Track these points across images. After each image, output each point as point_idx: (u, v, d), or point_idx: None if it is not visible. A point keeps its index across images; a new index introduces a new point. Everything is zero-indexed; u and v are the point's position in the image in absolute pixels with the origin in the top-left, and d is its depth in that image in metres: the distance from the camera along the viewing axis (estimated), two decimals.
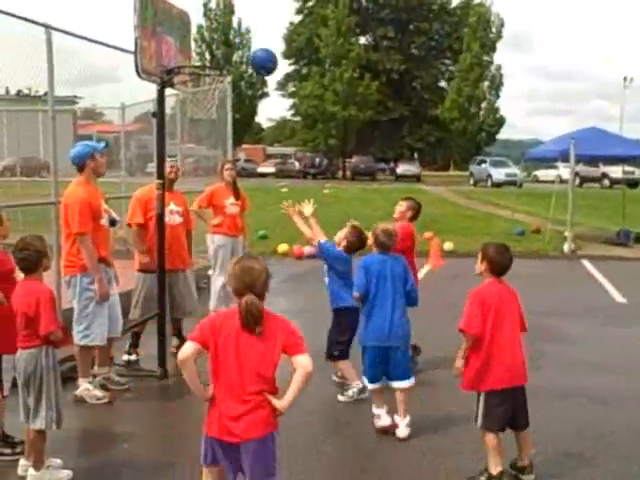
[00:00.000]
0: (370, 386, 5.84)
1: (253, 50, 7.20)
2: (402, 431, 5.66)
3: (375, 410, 5.82)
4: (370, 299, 5.71)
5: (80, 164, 6.39)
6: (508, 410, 4.86)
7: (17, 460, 4.91)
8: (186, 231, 8.07)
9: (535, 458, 5.08)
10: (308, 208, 6.82)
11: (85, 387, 6.38)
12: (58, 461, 4.88)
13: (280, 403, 3.59)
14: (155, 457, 5.30)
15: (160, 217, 7.06)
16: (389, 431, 5.70)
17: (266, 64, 6.88)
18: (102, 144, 6.70)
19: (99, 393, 6.39)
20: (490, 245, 5.00)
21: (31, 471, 4.70)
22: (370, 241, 6.09)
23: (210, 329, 3.64)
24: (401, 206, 7.41)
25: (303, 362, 3.55)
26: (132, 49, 6.52)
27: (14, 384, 4.94)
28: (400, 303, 5.76)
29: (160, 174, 7.03)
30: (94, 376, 6.65)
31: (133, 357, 7.55)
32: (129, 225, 7.53)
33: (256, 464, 3.58)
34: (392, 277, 5.73)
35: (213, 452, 3.68)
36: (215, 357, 3.59)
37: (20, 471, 4.79)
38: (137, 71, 6.45)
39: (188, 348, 3.59)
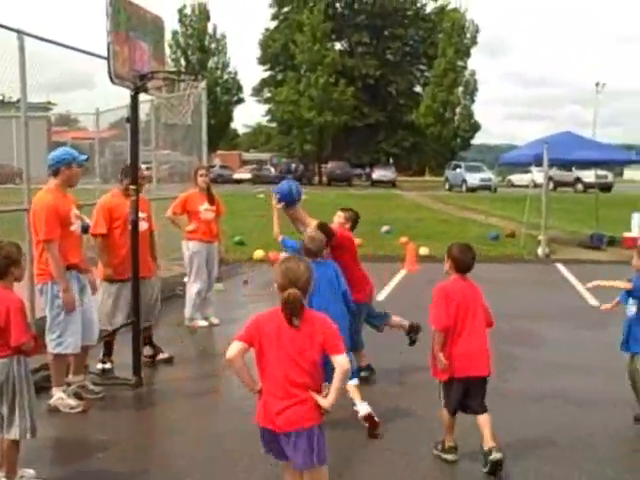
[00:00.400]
0: None
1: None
2: (363, 409, 5.89)
3: None
4: None
5: (55, 168, 6.33)
6: (461, 397, 5.14)
7: None
8: (150, 232, 7.91)
9: (510, 461, 5.12)
10: None
11: (59, 396, 6.30)
12: (31, 471, 4.81)
13: (324, 401, 3.78)
14: (130, 466, 5.23)
15: (135, 224, 6.99)
16: None
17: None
18: (83, 157, 6.65)
19: (73, 402, 6.31)
20: (454, 245, 5.37)
21: None
22: None
23: (255, 328, 3.85)
24: (340, 217, 7.48)
25: (340, 361, 3.77)
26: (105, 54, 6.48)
27: None
28: (337, 307, 5.86)
29: (134, 180, 6.97)
30: (69, 384, 6.58)
31: (107, 365, 7.46)
32: (93, 235, 7.36)
33: (299, 454, 3.80)
34: (326, 283, 5.85)
35: (264, 440, 3.93)
36: (260, 354, 3.83)
37: None
38: (110, 76, 6.40)
39: (234, 347, 3.82)
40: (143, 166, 9.18)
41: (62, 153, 6.43)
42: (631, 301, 6.00)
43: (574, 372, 7.61)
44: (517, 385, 7.07)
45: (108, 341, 7.46)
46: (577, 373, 7.58)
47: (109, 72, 6.39)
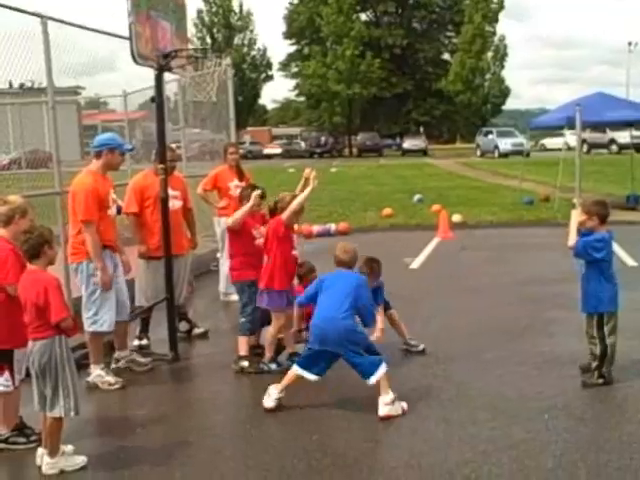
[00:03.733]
0: None
1: None
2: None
3: None
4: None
5: (97, 151, 6.52)
6: None
7: (32, 449, 4.96)
8: (187, 210, 8.01)
9: (551, 422, 5.18)
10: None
11: (97, 374, 6.41)
12: (70, 447, 4.90)
13: None
14: (169, 440, 5.31)
15: (164, 202, 7.05)
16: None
17: None
18: (128, 146, 6.99)
19: (111, 379, 6.41)
20: None
21: (46, 458, 4.73)
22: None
23: None
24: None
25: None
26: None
27: (27, 374, 4.97)
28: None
29: (162, 159, 7.00)
30: (117, 360, 6.79)
31: (144, 342, 7.56)
32: (126, 214, 7.45)
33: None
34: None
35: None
36: None
37: (38, 460, 4.81)
38: (133, 56, 6.42)
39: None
40: (174, 145, 9.24)
41: (107, 138, 6.65)
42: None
43: None
44: (555, 348, 7.01)
45: (144, 317, 7.56)
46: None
47: (132, 52, 6.42)
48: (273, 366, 6.62)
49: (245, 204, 6.83)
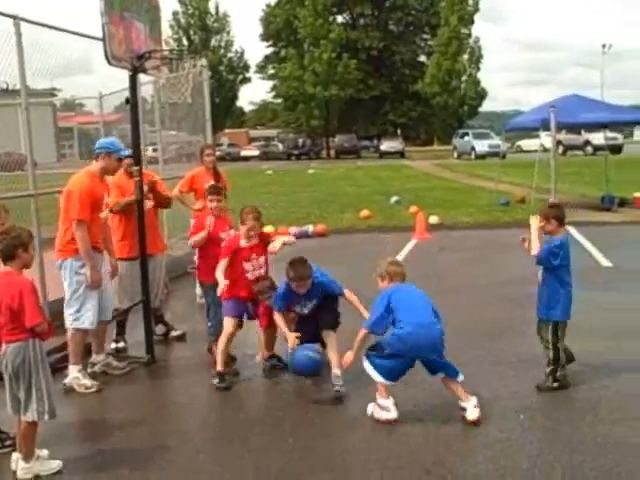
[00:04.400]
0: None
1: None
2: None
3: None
4: None
5: (96, 153, 6.66)
6: None
7: (6, 454, 4.92)
8: (165, 201, 8.14)
9: (527, 423, 5.19)
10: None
11: (74, 376, 6.37)
12: (45, 451, 4.86)
13: None
14: (146, 444, 5.28)
15: (139, 203, 7.03)
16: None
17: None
18: (125, 152, 7.04)
19: (88, 382, 6.37)
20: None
21: (21, 463, 4.69)
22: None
23: None
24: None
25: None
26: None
27: (0, 378, 4.92)
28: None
29: (136, 161, 6.98)
30: (94, 364, 6.75)
31: (121, 345, 7.54)
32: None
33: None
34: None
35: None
36: None
37: (13, 465, 4.77)
38: (107, 58, 6.39)
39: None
40: (150, 149, 9.22)
41: (107, 142, 6.81)
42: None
43: (587, 334, 7.44)
44: (527, 349, 7.01)
45: (121, 320, 7.53)
46: (590, 335, 7.42)
47: (105, 54, 6.39)
48: (215, 380, 6.34)
49: (210, 200, 7.05)
